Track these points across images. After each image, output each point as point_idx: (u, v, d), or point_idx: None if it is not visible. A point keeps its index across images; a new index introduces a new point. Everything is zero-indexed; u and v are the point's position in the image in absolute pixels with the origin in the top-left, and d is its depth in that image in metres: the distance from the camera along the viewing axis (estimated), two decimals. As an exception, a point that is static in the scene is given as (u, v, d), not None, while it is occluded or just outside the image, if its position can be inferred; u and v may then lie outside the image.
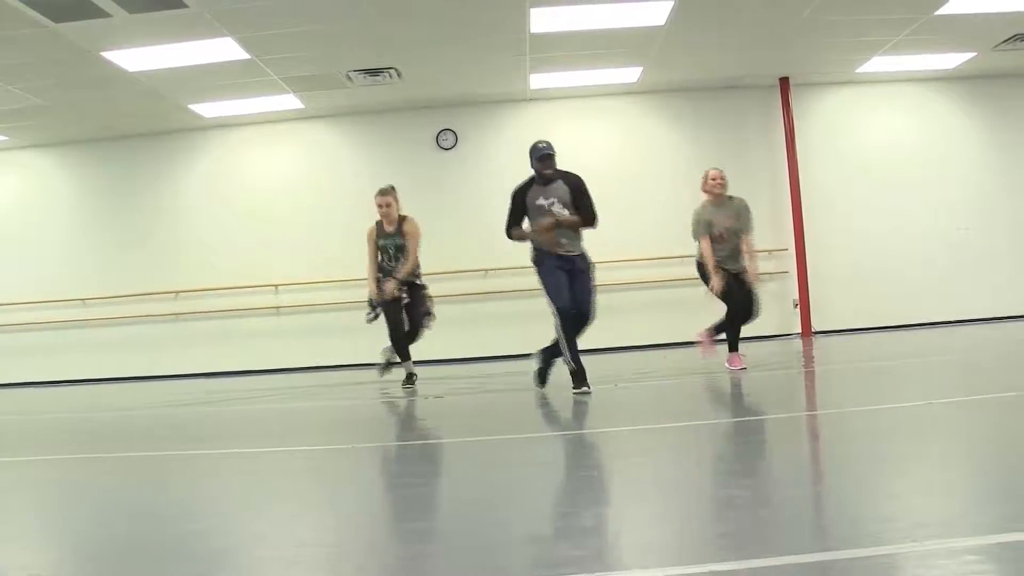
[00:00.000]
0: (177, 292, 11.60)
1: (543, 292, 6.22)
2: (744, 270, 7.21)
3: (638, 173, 11.44)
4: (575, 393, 5.99)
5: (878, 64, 10.80)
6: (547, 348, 6.41)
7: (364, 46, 9.09)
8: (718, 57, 10.33)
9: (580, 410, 5.45)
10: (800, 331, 11.37)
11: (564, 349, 6.11)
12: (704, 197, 7.30)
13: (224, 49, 8.64)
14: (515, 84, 10.88)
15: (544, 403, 6.05)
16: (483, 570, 2.20)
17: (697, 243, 7.24)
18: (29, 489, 3.90)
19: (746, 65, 10.74)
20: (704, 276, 7.25)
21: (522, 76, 10.54)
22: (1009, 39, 9.98)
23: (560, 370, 6.28)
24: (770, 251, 10.92)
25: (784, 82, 11.40)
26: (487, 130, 11.71)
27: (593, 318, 6.24)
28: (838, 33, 9.56)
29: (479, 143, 11.69)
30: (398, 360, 7.68)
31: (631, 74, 10.81)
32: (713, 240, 7.14)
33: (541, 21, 8.64)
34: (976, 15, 9.11)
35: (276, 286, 11.58)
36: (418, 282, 7.64)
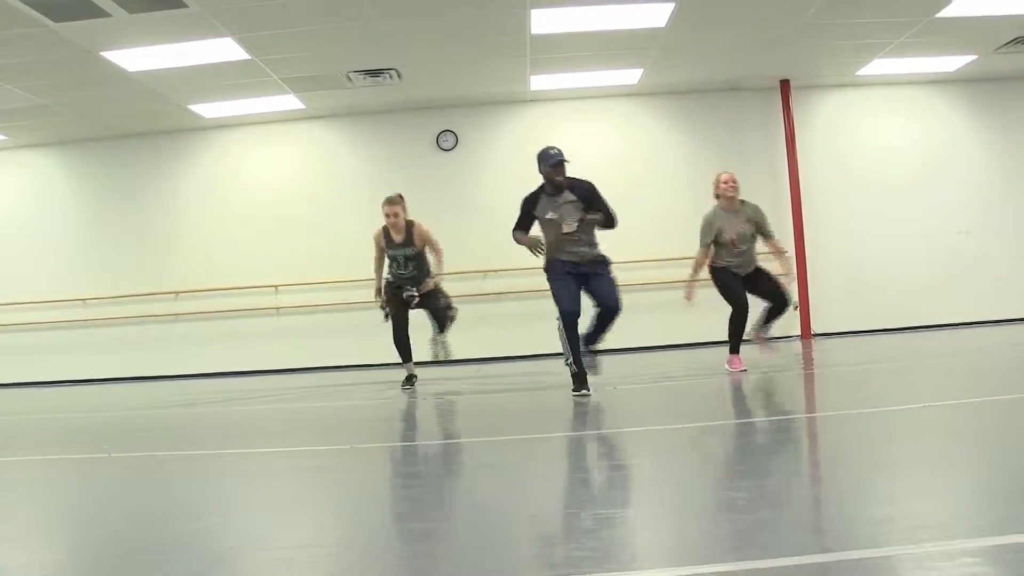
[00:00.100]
0: (177, 292, 11.60)
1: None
2: (759, 268, 7.21)
3: (639, 175, 11.43)
4: (574, 394, 6.00)
5: (879, 67, 10.80)
6: (586, 335, 6.35)
7: (364, 46, 9.10)
8: (719, 59, 10.33)
9: (579, 412, 5.45)
10: (800, 333, 11.37)
11: (566, 351, 6.11)
12: (715, 201, 7.25)
13: (224, 49, 8.65)
14: (516, 85, 10.88)
15: (543, 404, 6.05)
16: (483, 570, 2.20)
17: (701, 249, 7.20)
18: (29, 489, 3.90)
19: (747, 67, 10.74)
20: (716, 281, 7.22)
21: (523, 77, 10.54)
22: (1010, 42, 9.98)
23: (561, 370, 6.28)
24: (766, 253, 10.90)
25: (785, 84, 11.41)
26: (487, 131, 11.71)
27: (620, 310, 6.21)
28: (839, 35, 9.56)
29: (479, 144, 11.69)
30: (449, 353, 7.89)
31: (632, 76, 10.81)
32: (723, 246, 7.12)
33: (542, 22, 8.65)
34: (977, 18, 9.11)
35: (276, 286, 11.58)
36: (429, 278, 7.69)
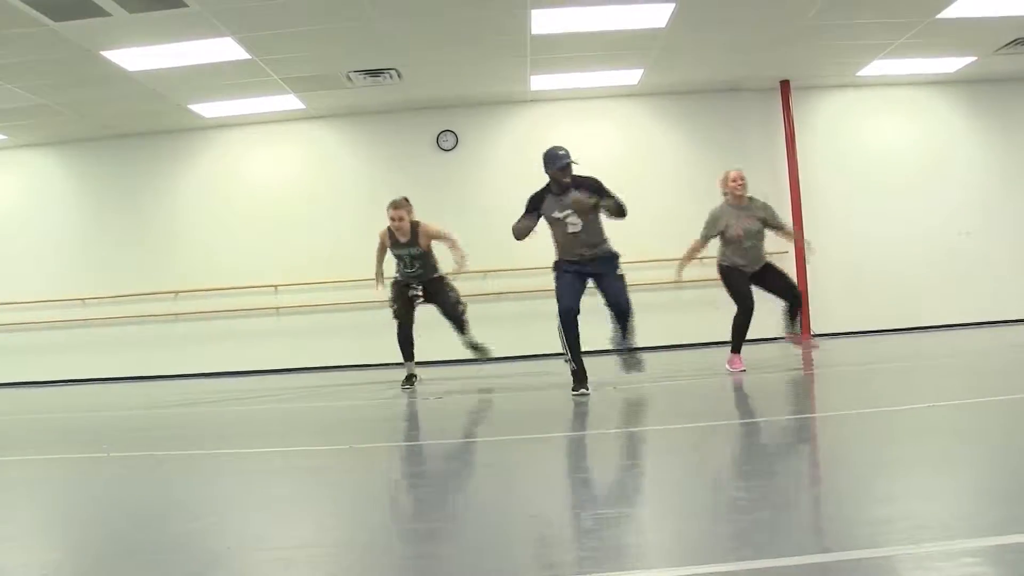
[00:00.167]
0: (177, 292, 11.60)
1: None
2: (768, 264, 7.26)
3: (639, 176, 11.41)
4: (574, 394, 5.99)
5: (879, 67, 10.81)
6: (613, 337, 6.38)
7: (364, 46, 9.10)
8: (719, 60, 10.33)
9: (578, 411, 5.45)
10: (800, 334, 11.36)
11: (565, 349, 6.11)
12: (721, 199, 7.24)
13: (224, 49, 8.65)
14: (516, 85, 10.88)
15: (543, 404, 6.05)
16: (483, 570, 2.20)
17: (700, 239, 7.21)
18: (28, 488, 3.90)
19: (747, 68, 10.74)
20: (725, 281, 7.21)
21: (523, 77, 10.54)
22: (1010, 43, 9.99)
23: (561, 370, 6.28)
24: (770, 254, 10.89)
25: (785, 85, 11.41)
26: (487, 131, 11.71)
27: (631, 311, 6.24)
28: (839, 36, 9.56)
29: (479, 144, 11.69)
30: (486, 351, 8.01)
31: (632, 76, 10.82)
32: (730, 242, 7.12)
33: (542, 22, 8.65)
34: (977, 19, 9.12)
35: (276, 286, 11.58)
36: (435, 275, 7.67)
